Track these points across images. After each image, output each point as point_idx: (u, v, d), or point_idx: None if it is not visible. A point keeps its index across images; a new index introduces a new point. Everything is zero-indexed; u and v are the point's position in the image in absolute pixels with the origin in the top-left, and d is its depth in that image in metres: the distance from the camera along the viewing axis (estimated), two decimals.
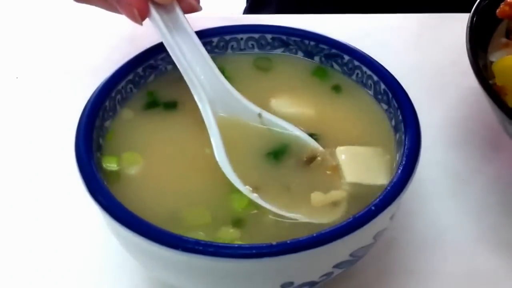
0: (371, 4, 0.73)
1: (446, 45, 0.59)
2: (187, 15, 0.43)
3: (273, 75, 0.45)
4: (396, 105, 0.40)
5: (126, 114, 0.41)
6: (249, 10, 0.85)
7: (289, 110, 0.42)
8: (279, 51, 0.45)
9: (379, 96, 0.41)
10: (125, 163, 0.38)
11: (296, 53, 0.45)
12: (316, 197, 0.36)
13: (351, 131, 0.41)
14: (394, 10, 0.65)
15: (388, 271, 0.43)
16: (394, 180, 0.35)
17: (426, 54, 0.59)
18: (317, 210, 0.36)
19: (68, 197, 0.47)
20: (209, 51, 0.44)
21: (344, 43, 0.44)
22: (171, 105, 0.43)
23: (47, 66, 0.59)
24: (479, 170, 0.49)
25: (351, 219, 0.33)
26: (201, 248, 0.31)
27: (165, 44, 0.42)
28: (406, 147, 0.37)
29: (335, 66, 0.44)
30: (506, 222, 0.45)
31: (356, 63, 0.43)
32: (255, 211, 0.36)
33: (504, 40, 0.48)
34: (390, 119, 0.40)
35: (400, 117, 0.39)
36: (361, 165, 0.39)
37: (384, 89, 0.41)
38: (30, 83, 0.57)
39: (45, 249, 0.44)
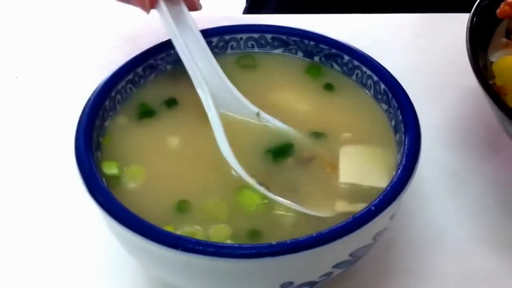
0: (371, 4, 0.73)
1: (445, 45, 0.59)
2: None
3: (263, 73, 0.45)
4: (396, 105, 0.40)
5: (121, 120, 0.41)
6: (248, 10, 0.85)
7: (285, 109, 0.42)
8: (279, 51, 0.45)
9: (379, 96, 0.42)
10: (129, 177, 0.38)
11: (296, 53, 0.45)
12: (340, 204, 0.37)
13: (349, 131, 0.41)
14: (393, 10, 0.65)
15: (388, 271, 0.43)
16: (394, 180, 0.35)
17: (425, 54, 0.59)
18: (319, 205, 0.36)
19: (68, 197, 0.47)
20: None
21: (344, 43, 0.44)
22: (171, 103, 0.43)
23: (46, 66, 0.59)
24: (478, 170, 0.49)
25: (351, 219, 0.33)
26: (201, 248, 0.31)
27: (170, 35, 0.42)
28: (406, 147, 0.37)
29: (335, 66, 0.44)
30: (506, 222, 0.45)
31: (356, 63, 0.43)
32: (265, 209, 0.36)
33: (504, 40, 0.48)
34: (390, 119, 0.40)
35: (400, 117, 0.39)
36: (361, 165, 0.39)
37: (384, 89, 0.41)
38: (29, 83, 0.57)
39: (45, 249, 0.44)
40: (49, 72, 0.58)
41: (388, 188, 0.34)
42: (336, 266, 0.35)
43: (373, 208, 0.33)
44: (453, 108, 0.54)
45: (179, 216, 0.36)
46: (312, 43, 0.44)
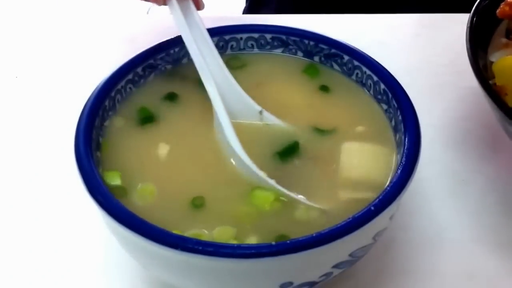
0: (371, 4, 0.73)
1: (445, 45, 0.59)
2: None
3: (256, 74, 0.45)
4: (396, 105, 0.40)
5: (120, 122, 0.41)
6: (248, 10, 0.85)
7: (282, 110, 0.42)
8: (278, 50, 0.45)
9: (379, 96, 0.42)
10: (140, 195, 0.37)
11: (295, 53, 0.45)
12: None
13: (349, 131, 0.41)
14: (393, 10, 0.65)
15: (387, 271, 0.43)
16: (394, 180, 0.35)
17: (425, 54, 0.59)
18: (324, 198, 0.37)
19: (68, 197, 0.47)
20: None
21: (344, 43, 0.44)
22: (171, 100, 0.43)
23: (46, 66, 0.59)
24: (478, 170, 0.49)
25: (350, 219, 0.33)
26: (200, 248, 0.31)
27: (180, 30, 0.42)
28: (405, 147, 0.37)
29: (335, 66, 0.44)
30: (505, 222, 0.45)
31: (356, 63, 0.43)
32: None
33: (504, 40, 0.48)
34: (390, 119, 0.40)
35: (400, 117, 0.39)
36: (362, 161, 0.39)
37: (383, 89, 0.41)
38: (29, 82, 0.57)
39: (45, 249, 0.44)
40: (49, 72, 0.58)
41: (388, 188, 0.34)
42: (336, 266, 0.35)
43: (372, 208, 0.33)
44: (453, 108, 0.54)
45: (192, 217, 0.36)
46: (312, 43, 0.44)
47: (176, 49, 0.44)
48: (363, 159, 0.39)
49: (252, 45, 0.45)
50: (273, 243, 0.31)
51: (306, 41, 0.44)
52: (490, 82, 0.44)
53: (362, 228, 0.32)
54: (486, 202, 0.47)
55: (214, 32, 0.45)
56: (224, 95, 0.41)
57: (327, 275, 0.35)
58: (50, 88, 0.56)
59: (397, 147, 0.39)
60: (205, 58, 0.42)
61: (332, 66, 0.44)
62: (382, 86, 0.41)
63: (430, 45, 0.60)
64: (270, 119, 0.41)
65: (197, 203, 0.37)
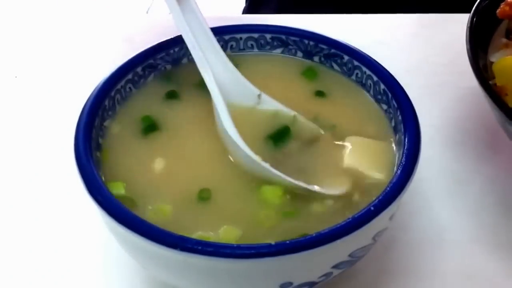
0: (371, 4, 0.73)
1: (445, 45, 0.59)
2: None
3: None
4: (395, 105, 0.40)
5: (117, 127, 0.41)
6: (248, 9, 0.85)
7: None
8: (278, 50, 0.45)
9: (379, 96, 0.41)
10: (154, 213, 0.37)
11: (295, 53, 0.45)
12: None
13: (349, 132, 0.41)
14: (393, 10, 0.65)
15: (387, 271, 0.43)
16: (394, 180, 0.35)
17: (425, 54, 0.59)
18: (328, 184, 0.37)
19: (68, 197, 0.47)
20: None
21: (344, 43, 0.44)
22: (172, 97, 0.43)
23: (46, 66, 0.59)
24: (478, 170, 0.49)
25: (350, 219, 0.33)
26: (200, 247, 0.31)
27: (173, 17, 0.42)
28: (405, 148, 0.37)
29: (335, 66, 0.44)
30: (505, 222, 0.45)
31: (356, 63, 0.43)
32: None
33: (504, 40, 0.48)
34: (390, 120, 0.40)
35: (400, 118, 0.39)
36: (364, 154, 0.39)
37: (383, 89, 0.41)
38: (29, 82, 0.57)
39: (45, 249, 0.44)
40: (48, 72, 0.58)
41: (388, 188, 0.34)
42: (336, 266, 0.35)
43: (372, 208, 0.33)
44: (453, 108, 0.54)
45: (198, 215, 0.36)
46: (311, 43, 0.44)
47: (176, 49, 0.44)
48: (365, 150, 0.39)
49: (252, 45, 0.45)
50: (273, 243, 0.31)
51: (306, 41, 0.44)
52: (490, 82, 0.44)
53: (362, 228, 0.32)
54: (485, 202, 0.47)
55: (213, 32, 0.44)
56: (222, 84, 0.41)
57: (327, 275, 0.35)
58: (49, 88, 0.56)
59: (397, 147, 0.39)
60: (201, 45, 0.42)
61: (332, 66, 0.44)
62: (382, 86, 0.41)
63: (430, 45, 0.60)
64: (269, 102, 0.41)
65: (204, 196, 0.36)
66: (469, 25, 0.46)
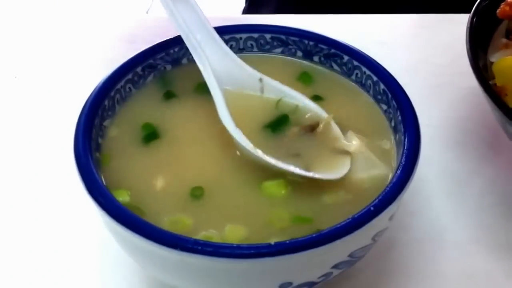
0: (371, 4, 0.73)
1: (445, 45, 0.59)
2: None
3: None
4: (395, 105, 0.40)
5: (116, 131, 0.40)
6: (248, 10, 0.85)
7: None
8: (278, 50, 0.45)
9: (379, 97, 0.41)
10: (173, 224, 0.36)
11: (295, 53, 0.45)
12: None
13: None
14: (393, 10, 0.65)
15: (387, 271, 0.43)
16: (394, 180, 0.35)
17: (425, 54, 0.59)
18: (327, 168, 0.37)
19: (68, 197, 0.47)
20: None
21: (344, 43, 0.44)
22: (171, 98, 0.43)
23: (46, 66, 0.59)
24: (477, 171, 0.49)
25: (350, 219, 0.33)
26: (199, 247, 0.31)
27: (164, 7, 0.42)
28: (405, 148, 0.36)
29: (334, 66, 0.44)
30: (505, 223, 0.45)
31: (356, 63, 0.43)
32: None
33: (504, 40, 0.48)
34: (390, 120, 0.40)
35: (400, 118, 0.39)
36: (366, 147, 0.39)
37: (383, 89, 0.41)
38: (28, 82, 0.57)
39: (45, 249, 0.44)
40: (48, 72, 0.58)
41: (388, 188, 0.34)
42: (335, 266, 0.35)
43: (372, 208, 0.33)
44: (453, 109, 0.54)
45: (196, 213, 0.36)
46: (311, 43, 0.44)
47: (176, 49, 0.44)
48: (366, 147, 0.39)
49: (252, 45, 0.45)
50: (272, 243, 0.31)
51: (306, 41, 0.44)
52: (490, 82, 0.44)
53: (362, 228, 0.32)
54: (486, 202, 0.47)
55: None
56: (222, 72, 0.41)
57: (327, 275, 0.35)
58: (49, 88, 0.56)
59: (397, 147, 0.39)
60: (196, 36, 0.42)
61: (331, 66, 0.44)
62: (382, 86, 0.41)
63: (430, 45, 0.60)
64: (271, 86, 0.41)
65: (197, 194, 0.36)
66: (469, 25, 0.46)
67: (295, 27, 0.45)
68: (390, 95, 0.40)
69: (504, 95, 0.44)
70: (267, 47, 0.45)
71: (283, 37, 0.45)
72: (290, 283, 0.34)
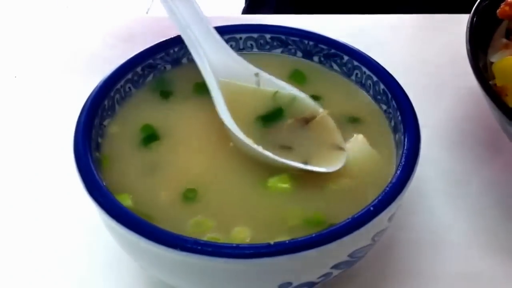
0: (371, 4, 0.73)
1: (445, 45, 0.59)
2: None
3: None
4: (395, 105, 0.40)
5: (113, 129, 0.40)
6: (247, 10, 0.85)
7: None
8: (278, 50, 0.45)
9: (379, 97, 0.41)
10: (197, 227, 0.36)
11: (295, 53, 0.45)
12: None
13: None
14: (393, 10, 0.65)
15: (387, 272, 0.43)
16: (393, 180, 0.35)
17: (425, 54, 0.59)
18: (323, 161, 0.37)
19: (68, 197, 0.46)
20: None
21: (344, 43, 0.44)
22: (172, 95, 0.43)
23: (45, 66, 0.59)
24: (477, 171, 0.49)
25: (349, 219, 0.33)
26: (199, 247, 0.31)
27: (162, 2, 0.42)
28: (405, 148, 0.36)
29: (334, 66, 0.44)
30: (505, 223, 0.45)
31: (356, 63, 0.43)
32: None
33: (504, 40, 0.48)
34: (389, 120, 0.40)
35: (400, 118, 0.39)
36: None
37: (383, 90, 0.41)
38: (28, 82, 0.57)
39: (45, 249, 0.44)
40: (48, 72, 0.58)
41: (387, 188, 0.34)
42: (335, 267, 0.35)
43: (371, 208, 0.33)
44: (453, 109, 0.54)
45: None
46: (311, 43, 0.44)
47: (176, 49, 0.44)
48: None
49: (252, 45, 0.45)
50: (272, 243, 0.31)
51: (306, 41, 0.44)
52: (490, 82, 0.44)
53: (361, 229, 0.32)
54: (486, 202, 0.47)
55: None
56: (218, 65, 0.41)
57: (327, 275, 0.35)
58: (49, 88, 0.56)
59: (397, 148, 0.39)
60: (194, 30, 0.42)
61: (331, 66, 0.44)
62: (382, 86, 0.41)
63: (430, 46, 0.60)
64: (268, 79, 0.41)
65: (190, 196, 0.36)
66: (469, 25, 0.46)
67: (295, 27, 0.45)
68: (390, 95, 0.40)
69: (504, 95, 0.44)
70: (267, 47, 0.45)
71: (283, 37, 0.45)
72: (290, 283, 0.34)
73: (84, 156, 0.36)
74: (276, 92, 0.41)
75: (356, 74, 0.43)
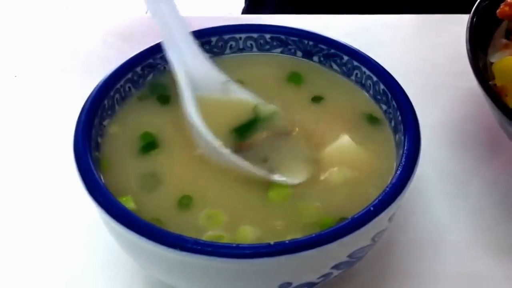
0: (371, 4, 0.73)
1: (445, 45, 0.59)
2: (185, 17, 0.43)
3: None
4: (395, 105, 0.40)
5: (113, 130, 0.40)
6: (247, 10, 0.85)
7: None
8: (277, 50, 0.45)
9: (379, 97, 0.41)
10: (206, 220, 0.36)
11: (295, 52, 0.45)
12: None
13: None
14: (393, 10, 0.65)
15: (387, 272, 0.43)
16: (393, 181, 0.35)
17: (425, 54, 0.59)
18: (293, 173, 0.37)
19: (68, 197, 0.47)
20: (207, 51, 0.44)
21: (343, 43, 0.44)
22: (166, 98, 0.43)
23: (45, 65, 0.59)
24: (477, 172, 0.49)
25: (349, 220, 0.33)
26: (199, 247, 0.31)
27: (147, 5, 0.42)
28: (405, 148, 0.36)
29: (334, 66, 0.44)
30: (505, 224, 0.45)
31: (355, 63, 0.43)
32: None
33: (504, 41, 0.48)
34: (389, 120, 0.40)
35: (400, 118, 0.39)
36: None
37: (383, 90, 0.41)
38: (28, 82, 0.57)
39: (45, 249, 0.44)
40: (48, 71, 0.58)
41: (387, 188, 0.34)
42: (335, 267, 0.35)
43: (371, 209, 0.33)
44: (453, 109, 0.54)
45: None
46: (311, 43, 0.44)
47: None
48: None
49: (251, 45, 0.45)
50: (272, 243, 0.31)
51: (306, 41, 0.44)
52: (490, 82, 0.44)
53: (361, 229, 0.32)
54: (486, 203, 0.47)
55: (213, 31, 0.45)
56: (192, 66, 0.41)
57: (327, 275, 0.35)
58: (49, 87, 0.56)
59: (397, 148, 0.39)
60: (172, 27, 0.42)
61: (331, 66, 0.44)
62: (382, 86, 0.41)
63: (429, 46, 0.60)
64: (236, 90, 0.41)
65: (185, 202, 0.36)
66: (469, 25, 0.46)
67: (295, 27, 0.45)
68: (390, 95, 0.40)
69: (504, 95, 0.44)
70: (267, 47, 0.45)
71: (282, 37, 0.45)
72: (290, 284, 0.34)
73: (84, 156, 0.36)
74: (255, 106, 0.41)
75: (356, 74, 0.43)
